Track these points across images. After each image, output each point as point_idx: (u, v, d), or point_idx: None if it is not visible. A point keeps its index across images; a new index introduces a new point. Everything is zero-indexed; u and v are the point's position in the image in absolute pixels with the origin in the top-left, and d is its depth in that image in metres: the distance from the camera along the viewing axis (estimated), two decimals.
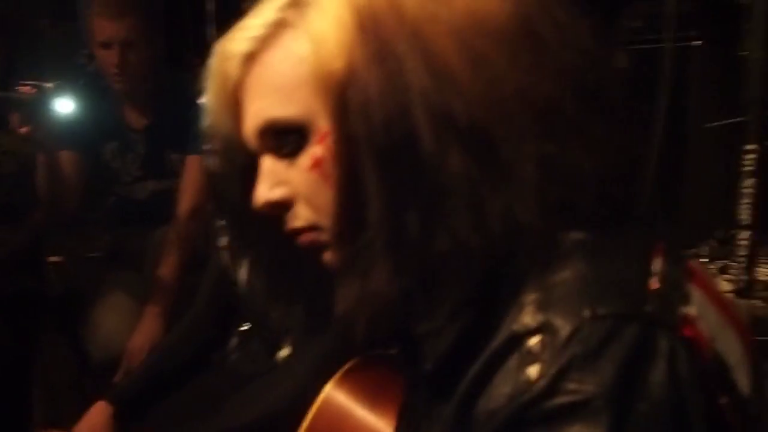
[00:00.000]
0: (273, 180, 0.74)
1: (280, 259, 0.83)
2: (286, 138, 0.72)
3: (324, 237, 0.73)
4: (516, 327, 0.64)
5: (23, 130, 2.03)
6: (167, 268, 2.26)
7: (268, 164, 0.75)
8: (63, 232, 2.50)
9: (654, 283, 0.64)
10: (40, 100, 2.01)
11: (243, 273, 1.56)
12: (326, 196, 0.70)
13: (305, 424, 1.09)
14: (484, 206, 0.65)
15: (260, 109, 0.73)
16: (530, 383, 0.62)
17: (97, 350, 2.23)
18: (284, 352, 1.53)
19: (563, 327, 0.61)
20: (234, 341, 1.70)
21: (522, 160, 0.65)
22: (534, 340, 0.62)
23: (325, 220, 0.72)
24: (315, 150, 0.71)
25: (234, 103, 0.76)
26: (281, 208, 0.75)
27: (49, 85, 2.02)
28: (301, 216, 0.74)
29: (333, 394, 1.11)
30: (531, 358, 0.62)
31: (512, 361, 0.64)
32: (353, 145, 0.66)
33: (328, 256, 0.74)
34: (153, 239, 2.40)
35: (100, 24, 2.25)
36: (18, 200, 2.50)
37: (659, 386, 0.60)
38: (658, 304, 0.63)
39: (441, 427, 0.71)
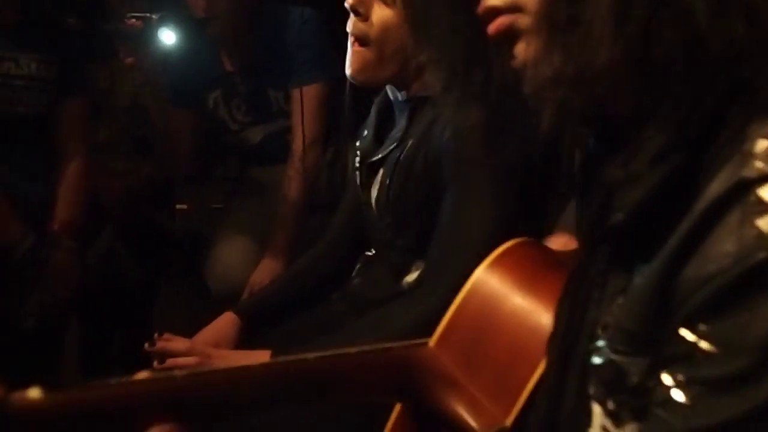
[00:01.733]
0: None
1: (467, 55, 0.75)
2: None
3: (523, 21, 0.65)
4: (746, 173, 0.54)
5: (129, 60, 2.11)
6: (287, 206, 2.26)
7: None
8: (188, 180, 2.55)
9: None
10: (146, 32, 2.04)
11: (374, 192, 1.56)
12: None
13: (454, 307, 1.06)
14: (731, 2, 0.56)
15: None
16: (764, 239, 0.52)
17: (217, 283, 2.28)
18: (411, 277, 1.52)
19: None
20: (358, 267, 1.71)
21: None
22: (765, 189, 0.53)
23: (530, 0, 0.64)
24: None
25: None
26: None
27: (154, 16, 2.04)
28: None
29: (484, 277, 1.06)
30: (760, 208, 0.52)
31: (734, 215, 0.54)
32: None
33: (522, 47, 0.66)
34: (272, 177, 2.40)
35: None
36: (152, 132, 2.58)
37: None
38: None
39: (637, 295, 0.62)
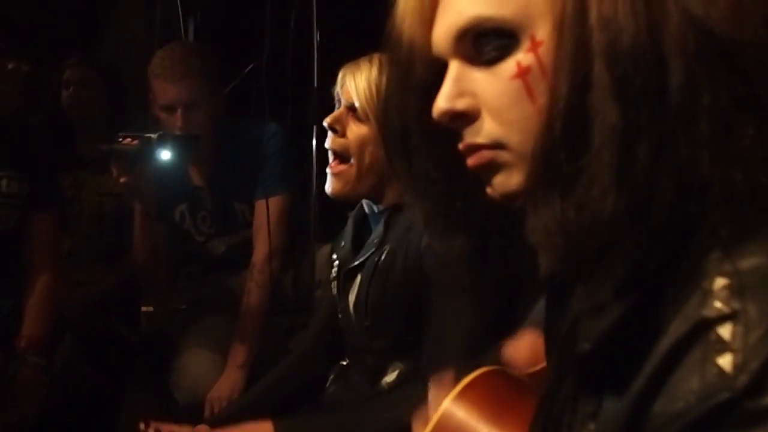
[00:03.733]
0: (459, 88, 0.68)
1: (447, 187, 0.76)
2: (488, 42, 0.65)
3: (504, 157, 0.66)
4: (706, 312, 0.55)
5: (122, 180, 2.08)
6: (246, 319, 2.30)
7: (456, 71, 0.68)
8: (154, 283, 2.56)
9: None
10: (142, 152, 2.05)
11: (352, 297, 1.62)
12: (522, 111, 0.64)
13: None
14: (726, 147, 0.57)
15: (467, 5, 0.66)
16: (725, 377, 0.53)
17: (183, 394, 2.28)
18: (389, 378, 1.58)
19: (763, 315, 0.54)
20: (332, 377, 1.75)
21: None
22: (724, 329, 0.54)
23: (514, 137, 0.65)
24: (522, 58, 0.64)
25: (430, 1, 0.70)
26: (462, 120, 0.68)
27: (152, 135, 2.06)
28: (484, 131, 0.67)
29: (452, 408, 1.08)
30: (720, 347, 0.54)
31: (696, 353, 0.55)
32: (585, 56, 0.59)
33: (502, 179, 0.68)
34: (235, 285, 2.44)
35: (162, 87, 2.26)
36: (115, 241, 2.60)
37: None
38: None
39: (608, 425, 0.62)
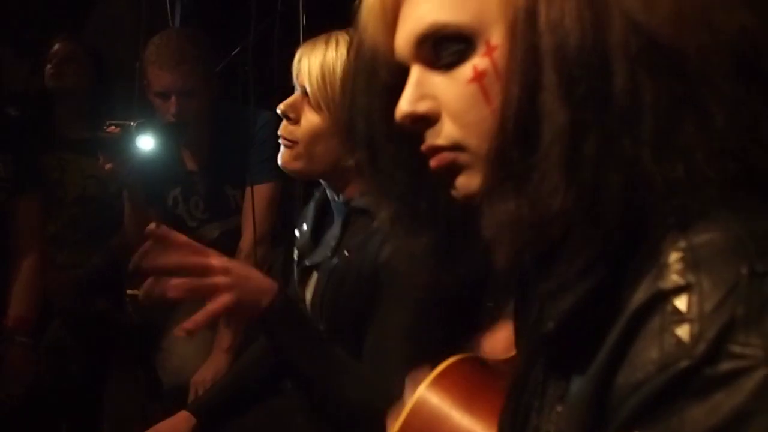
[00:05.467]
0: (420, 92, 0.70)
1: (412, 187, 0.78)
2: (446, 47, 0.68)
3: (464, 158, 0.69)
4: (662, 285, 0.57)
5: (107, 167, 2.12)
6: None
7: (417, 75, 0.71)
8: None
9: None
10: (123, 140, 2.08)
11: (308, 295, 1.60)
12: (479, 113, 0.67)
13: (398, 425, 1.09)
14: (667, 144, 0.59)
15: (426, 12, 0.69)
16: (683, 346, 0.55)
17: (168, 376, 2.31)
18: None
19: (716, 285, 0.56)
20: None
21: (713, 101, 0.60)
22: (680, 300, 0.56)
23: (473, 139, 0.68)
24: (478, 62, 0.66)
25: (392, 7, 0.73)
26: (424, 122, 0.71)
27: (132, 123, 2.09)
28: (444, 133, 0.70)
29: (426, 395, 1.10)
30: (677, 317, 0.56)
31: (654, 323, 0.57)
32: (535, 59, 0.62)
33: (463, 181, 0.70)
34: None
35: (156, 74, 2.29)
36: (100, 223, 2.61)
37: None
38: None
39: (575, 403, 0.65)
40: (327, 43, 1.49)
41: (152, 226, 1.30)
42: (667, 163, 0.60)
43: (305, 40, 1.67)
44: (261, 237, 2.34)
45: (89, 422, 2.52)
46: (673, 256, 0.58)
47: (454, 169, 0.70)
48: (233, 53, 2.66)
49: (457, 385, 1.12)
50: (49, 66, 2.68)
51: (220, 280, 1.27)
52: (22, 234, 2.24)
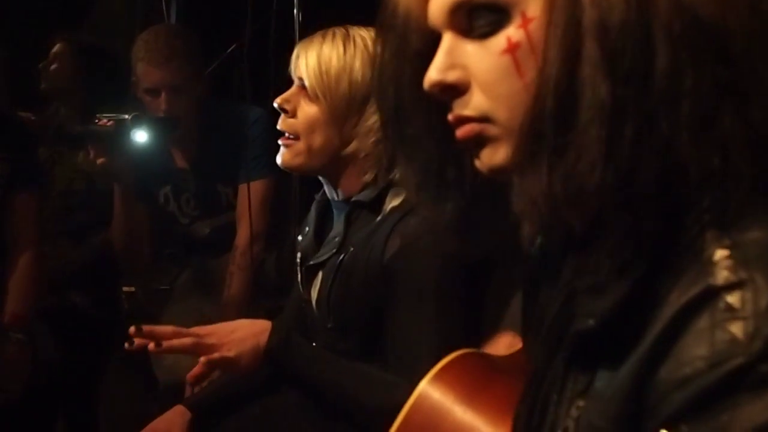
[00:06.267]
0: (450, 61, 0.69)
1: (439, 155, 0.77)
2: (481, 16, 0.67)
3: (492, 131, 0.68)
4: (713, 281, 0.57)
5: (99, 161, 2.09)
6: (230, 301, 2.31)
7: (449, 43, 0.69)
8: (134, 264, 2.56)
9: None
10: (118, 132, 2.05)
11: (314, 294, 1.60)
12: (510, 86, 0.65)
13: (399, 420, 1.11)
14: (704, 131, 0.59)
15: None
16: (738, 343, 0.55)
17: (164, 374, 2.30)
18: None
19: None
20: None
21: (754, 90, 0.59)
22: (733, 297, 0.56)
23: (502, 112, 0.67)
24: (513, 34, 0.65)
25: None
26: (452, 92, 0.69)
27: (126, 116, 2.06)
28: (473, 104, 0.68)
29: (428, 390, 1.10)
30: (730, 314, 0.56)
31: (703, 320, 0.57)
32: (576, 32, 0.61)
33: (488, 153, 0.69)
34: (219, 267, 2.46)
35: (146, 70, 2.28)
36: (84, 218, 2.60)
37: None
38: None
39: (609, 397, 0.63)
40: (324, 36, 1.52)
41: (132, 330, 1.44)
42: (704, 152, 0.59)
43: (301, 37, 1.69)
44: (257, 234, 2.34)
45: (86, 420, 2.52)
46: (720, 254, 0.58)
47: (480, 141, 0.69)
48: (228, 51, 2.66)
49: (459, 381, 1.13)
50: (43, 64, 2.68)
51: (210, 341, 1.43)
52: (20, 230, 2.24)
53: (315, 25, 1.59)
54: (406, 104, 0.77)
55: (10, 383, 2.12)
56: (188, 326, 2.32)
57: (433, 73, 0.69)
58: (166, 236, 2.55)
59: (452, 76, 0.69)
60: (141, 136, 2.06)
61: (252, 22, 2.22)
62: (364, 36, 1.51)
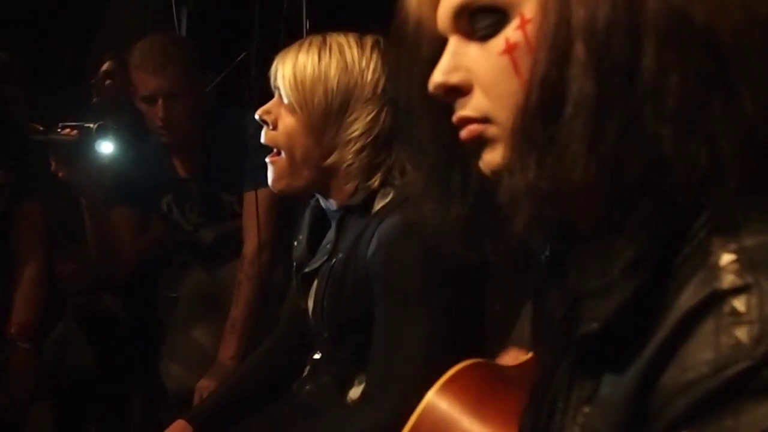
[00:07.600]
0: (454, 63, 0.70)
1: (445, 159, 0.78)
2: (482, 18, 0.68)
3: (492, 131, 0.69)
4: (718, 285, 0.57)
5: (60, 175, 1.96)
6: (238, 310, 2.29)
7: (454, 46, 0.71)
8: (113, 275, 2.50)
9: None
10: (81, 143, 1.91)
11: (310, 303, 1.58)
12: (508, 85, 0.67)
13: (406, 429, 1.09)
14: (691, 126, 0.59)
15: None
16: (743, 348, 0.54)
17: (173, 383, 2.30)
18: (355, 392, 1.53)
19: None
20: (307, 369, 1.72)
21: (744, 85, 0.59)
22: (739, 301, 0.56)
23: (501, 112, 0.68)
24: (511, 35, 0.66)
25: None
26: (456, 93, 0.71)
27: (91, 125, 1.92)
28: (474, 105, 0.70)
29: (435, 401, 1.09)
30: (735, 319, 0.55)
31: (708, 325, 0.56)
32: (565, 32, 0.62)
33: (489, 154, 0.70)
34: (225, 273, 2.45)
35: (142, 78, 2.26)
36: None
37: None
38: None
39: (612, 403, 0.64)
40: (300, 46, 1.49)
41: None
42: (690, 148, 0.59)
43: None
44: (264, 242, 2.32)
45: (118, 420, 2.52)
46: (726, 258, 0.58)
47: (481, 142, 0.70)
48: (238, 59, 2.65)
49: (466, 391, 1.11)
50: (100, 80, 2.88)
51: None
52: (27, 240, 2.23)
53: (323, 32, 1.58)
54: (416, 109, 0.79)
55: (17, 392, 2.11)
56: (194, 336, 2.36)
57: (437, 75, 0.71)
58: (173, 244, 2.55)
59: (455, 78, 0.70)
60: (107, 147, 1.92)
61: (261, 30, 2.22)
62: (341, 42, 1.47)
